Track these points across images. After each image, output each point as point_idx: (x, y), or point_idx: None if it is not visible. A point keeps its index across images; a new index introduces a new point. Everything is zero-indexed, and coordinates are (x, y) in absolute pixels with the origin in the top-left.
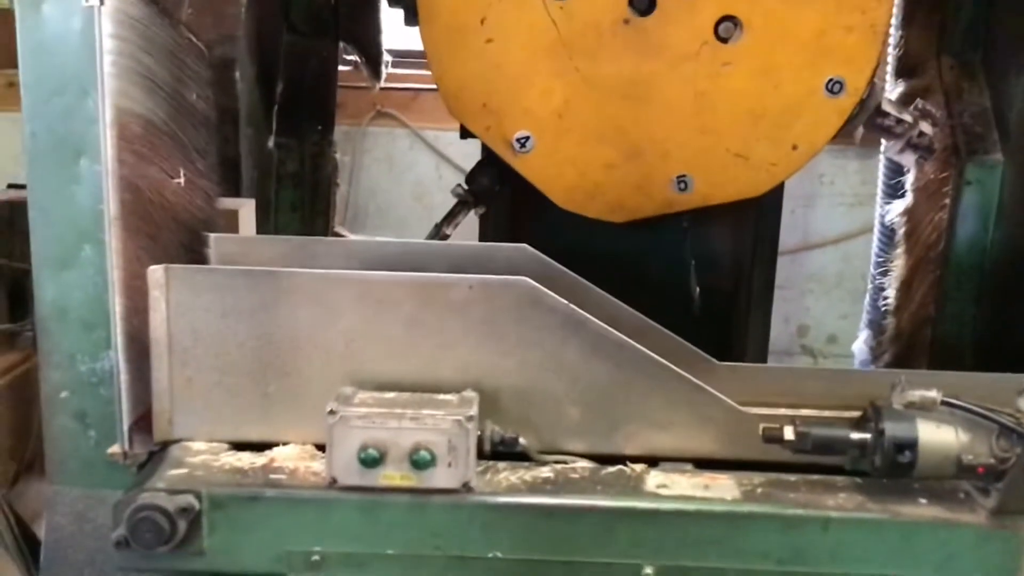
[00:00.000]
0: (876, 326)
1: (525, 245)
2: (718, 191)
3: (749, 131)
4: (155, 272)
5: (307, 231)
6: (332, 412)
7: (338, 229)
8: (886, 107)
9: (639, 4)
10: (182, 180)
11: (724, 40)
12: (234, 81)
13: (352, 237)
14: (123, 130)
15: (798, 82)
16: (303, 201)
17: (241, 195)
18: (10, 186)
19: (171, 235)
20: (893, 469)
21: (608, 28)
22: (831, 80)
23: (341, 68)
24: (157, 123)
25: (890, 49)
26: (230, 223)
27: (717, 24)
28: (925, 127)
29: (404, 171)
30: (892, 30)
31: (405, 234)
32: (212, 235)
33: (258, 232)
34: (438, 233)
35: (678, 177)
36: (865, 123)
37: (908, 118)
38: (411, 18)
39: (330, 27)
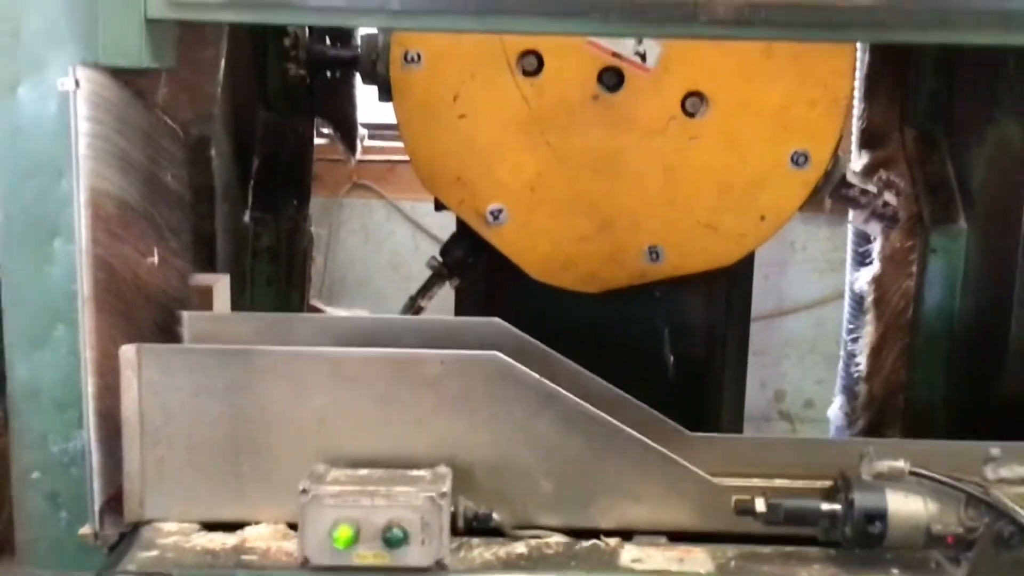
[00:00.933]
0: (850, 392)
1: (497, 319)
2: (689, 261)
3: (717, 203)
4: (127, 352)
5: (283, 305)
6: (304, 491)
7: (314, 302)
8: (851, 178)
9: (608, 80)
10: (156, 259)
11: (691, 115)
12: (210, 159)
13: (328, 310)
14: (97, 210)
15: (764, 155)
16: (279, 275)
17: (216, 270)
18: None
19: (145, 314)
20: (864, 540)
21: (578, 104)
22: (796, 153)
23: (318, 141)
24: (131, 203)
25: (854, 121)
26: (205, 299)
27: (684, 99)
28: (889, 197)
29: (381, 242)
30: (856, 103)
31: (383, 305)
32: (185, 313)
33: (233, 307)
34: (413, 306)
35: (650, 248)
36: (831, 194)
37: (872, 188)
38: (384, 95)
39: (305, 103)
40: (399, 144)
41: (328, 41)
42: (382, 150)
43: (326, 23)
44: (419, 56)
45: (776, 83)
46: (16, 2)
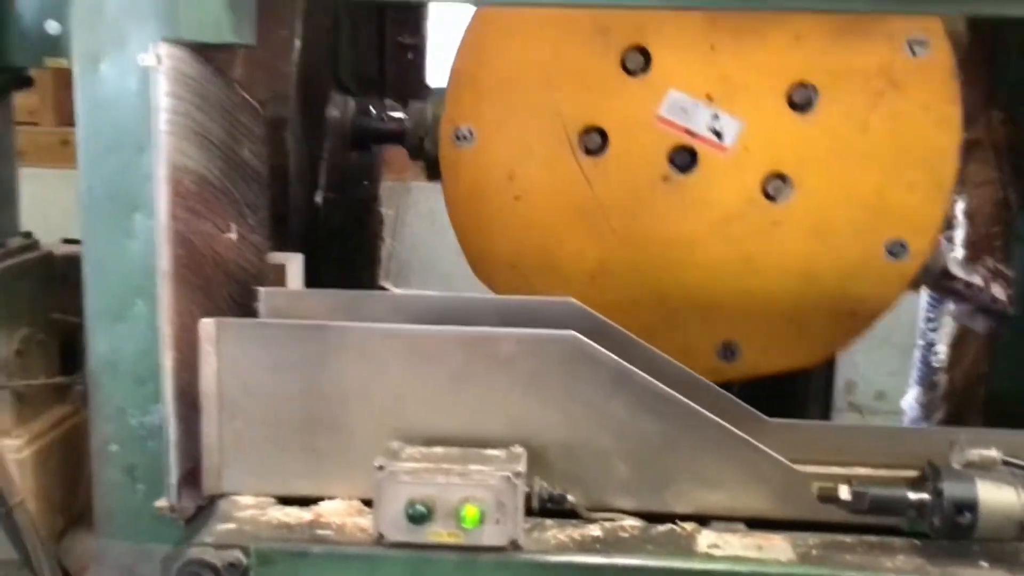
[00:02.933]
0: (927, 383)
1: (571, 299)
2: (768, 361)
3: (801, 296)
4: (207, 325)
5: (353, 286)
6: (380, 467)
7: (383, 283)
8: (953, 269)
9: (680, 160)
10: (234, 235)
11: (773, 198)
12: (284, 139)
13: (397, 291)
14: (177, 186)
15: (855, 244)
16: (349, 256)
17: (289, 250)
18: (65, 241)
19: (222, 289)
20: (953, 530)
21: (646, 186)
22: (891, 242)
23: None
24: (210, 179)
25: None
26: (279, 277)
27: (765, 181)
28: (997, 290)
29: (447, 226)
30: None
31: (448, 289)
32: (262, 289)
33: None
34: None
35: (724, 344)
36: (931, 285)
37: (978, 280)
38: (432, 173)
39: (377, 84)
40: None
41: (373, 112)
42: None
43: None
44: (471, 133)
45: (870, 163)
46: None
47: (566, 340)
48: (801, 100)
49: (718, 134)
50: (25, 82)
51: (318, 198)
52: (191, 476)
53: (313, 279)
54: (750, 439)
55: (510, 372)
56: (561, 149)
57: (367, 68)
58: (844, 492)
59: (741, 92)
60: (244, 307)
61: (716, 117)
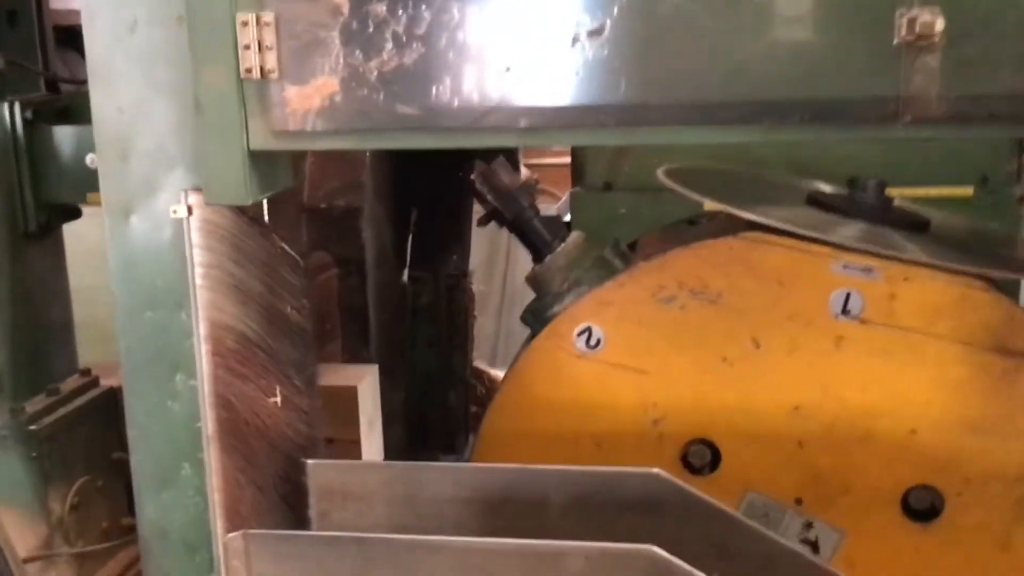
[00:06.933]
0: None
1: (658, 471)
2: None
3: None
4: (234, 540)
5: (445, 366)
6: None
7: (477, 364)
8: None
9: None
10: (278, 399)
11: None
12: (359, 231)
13: (491, 372)
14: (217, 345)
15: None
16: (440, 336)
17: (369, 341)
18: None
19: (268, 460)
20: None
21: None
22: None
23: None
24: (251, 337)
25: None
26: (349, 402)
27: None
28: None
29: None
30: None
31: None
32: (310, 462)
33: (393, 369)
34: None
35: None
36: None
37: None
38: None
39: (466, 153)
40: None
41: None
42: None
43: (442, 146)
44: None
45: None
46: (122, 121)
47: (644, 556)
48: (921, 507)
49: (813, 546)
50: (72, 214)
51: (404, 277)
52: None
53: (403, 363)
54: None
55: None
56: None
57: None
58: None
59: (841, 497)
60: (291, 481)
61: (809, 526)
